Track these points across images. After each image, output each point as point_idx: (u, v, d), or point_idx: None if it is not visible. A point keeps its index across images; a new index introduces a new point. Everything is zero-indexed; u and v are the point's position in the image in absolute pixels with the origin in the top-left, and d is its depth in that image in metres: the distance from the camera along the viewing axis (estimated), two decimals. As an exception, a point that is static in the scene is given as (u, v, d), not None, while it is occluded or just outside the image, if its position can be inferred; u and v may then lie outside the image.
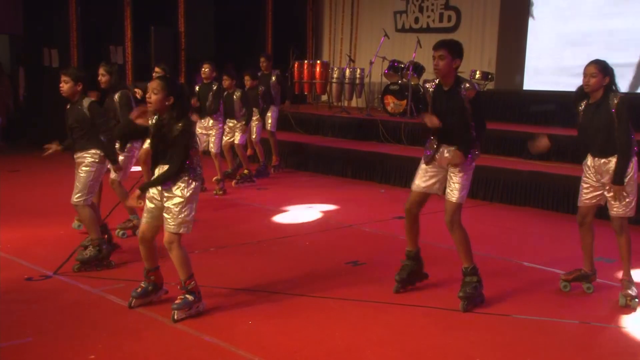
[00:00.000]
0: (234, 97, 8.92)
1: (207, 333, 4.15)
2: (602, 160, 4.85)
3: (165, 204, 4.39)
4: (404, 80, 11.41)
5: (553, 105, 10.05)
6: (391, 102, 11.54)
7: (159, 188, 4.40)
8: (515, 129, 9.73)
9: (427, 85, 4.92)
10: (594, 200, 4.98)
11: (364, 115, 11.57)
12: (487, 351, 4.05)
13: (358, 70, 12.28)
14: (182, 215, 4.37)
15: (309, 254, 6.09)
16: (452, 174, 4.77)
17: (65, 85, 5.44)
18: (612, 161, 4.79)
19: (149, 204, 4.46)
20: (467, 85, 4.69)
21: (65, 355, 3.85)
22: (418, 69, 11.49)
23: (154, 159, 4.53)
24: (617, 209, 4.84)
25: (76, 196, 5.45)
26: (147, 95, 4.41)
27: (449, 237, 4.89)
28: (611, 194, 4.81)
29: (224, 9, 13.51)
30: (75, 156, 5.58)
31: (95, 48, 12.20)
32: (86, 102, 5.45)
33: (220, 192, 8.58)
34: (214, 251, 6.06)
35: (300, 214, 7.71)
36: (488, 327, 4.43)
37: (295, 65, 12.76)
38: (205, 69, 8.68)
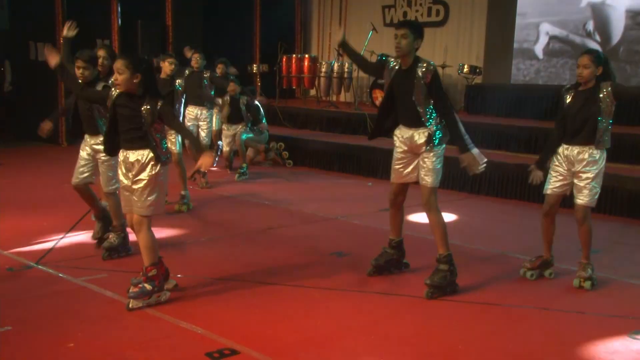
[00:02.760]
0: (241, 103, 9.23)
1: (188, 321, 4.12)
2: (577, 150, 4.87)
3: (133, 186, 4.37)
4: (392, 74, 11.39)
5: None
6: (379, 96, 11.52)
7: (129, 171, 4.39)
8: (503, 123, 9.74)
9: (392, 60, 4.80)
10: (562, 190, 5.01)
11: (352, 110, 11.56)
12: (470, 339, 4.04)
13: (346, 65, 12.27)
14: (150, 197, 4.35)
15: (293, 245, 6.07)
16: (424, 158, 4.75)
17: (85, 71, 5.25)
18: (587, 152, 4.84)
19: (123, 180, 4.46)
20: (424, 65, 4.64)
21: (45, 343, 3.82)
22: (406, 63, 11.46)
23: (111, 136, 4.47)
24: (582, 198, 4.87)
25: (111, 183, 5.39)
26: (114, 78, 4.34)
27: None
28: (580, 182, 4.86)
29: (213, 2, 13.46)
30: (86, 140, 5.49)
31: (81, 42, 12.06)
32: (100, 85, 5.22)
33: (207, 186, 8.54)
34: (198, 242, 6.03)
35: (286, 206, 7.69)
36: (471, 316, 4.43)
37: (284, 59, 12.73)
38: (197, 58, 8.58)
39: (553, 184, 5.03)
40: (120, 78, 4.27)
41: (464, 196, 8.39)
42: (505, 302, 4.67)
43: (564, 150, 4.94)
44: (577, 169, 4.89)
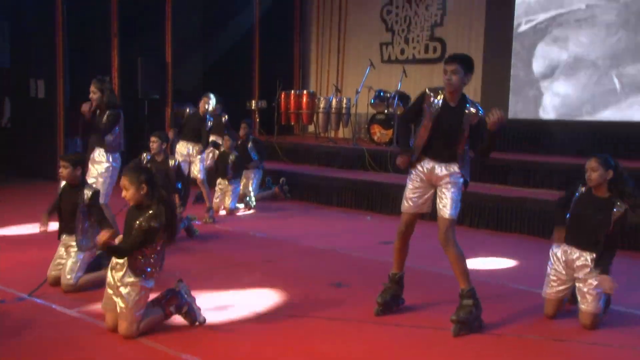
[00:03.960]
0: (229, 158, 9.07)
1: (186, 351, 4.04)
2: (577, 255, 4.68)
3: (119, 290, 4.34)
4: (390, 109, 11.45)
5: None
6: (377, 132, 11.55)
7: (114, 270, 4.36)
8: (501, 157, 9.74)
9: (432, 94, 4.69)
10: (561, 294, 4.80)
11: (351, 145, 11.57)
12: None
13: (344, 100, 12.32)
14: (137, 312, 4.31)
15: (293, 275, 6.00)
16: (443, 189, 4.66)
17: (64, 171, 5.33)
18: (588, 259, 4.64)
19: None
20: (472, 109, 4.58)
21: (36, 374, 3.73)
22: (404, 99, 11.52)
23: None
24: (587, 305, 4.64)
25: (67, 277, 5.26)
26: (123, 195, 4.41)
27: (436, 260, 4.79)
28: (585, 289, 4.64)
29: (212, 40, 13.57)
30: (62, 238, 5.45)
31: (81, 78, 12.16)
32: (87, 192, 5.29)
33: (210, 220, 8.46)
34: (197, 273, 5.95)
35: (286, 239, 7.63)
36: (476, 346, 4.34)
37: (282, 95, 12.79)
38: (205, 102, 8.59)
39: (551, 289, 4.81)
40: (128, 194, 4.35)
41: (464, 229, 8.33)
42: (511, 332, 4.58)
43: (562, 253, 4.73)
44: (581, 275, 4.68)
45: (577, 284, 4.71)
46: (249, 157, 9.79)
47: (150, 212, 4.29)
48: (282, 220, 8.94)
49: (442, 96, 4.65)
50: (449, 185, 4.64)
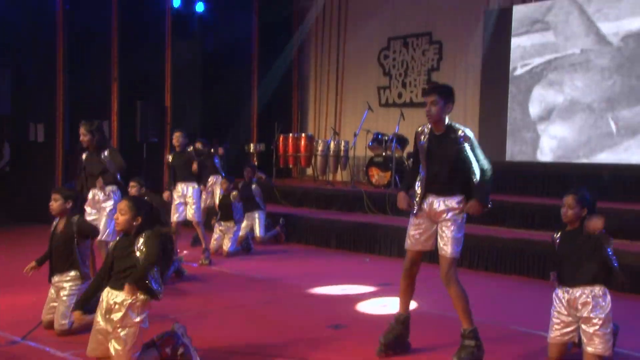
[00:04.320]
0: (231, 196, 9.06)
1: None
2: (579, 293, 4.54)
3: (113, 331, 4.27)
4: (388, 152, 11.50)
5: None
6: (375, 174, 11.58)
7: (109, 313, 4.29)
8: (499, 199, 9.74)
9: (419, 130, 4.81)
10: (567, 337, 4.64)
11: (349, 187, 11.57)
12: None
13: (342, 143, 12.38)
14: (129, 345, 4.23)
15: (291, 317, 5.95)
16: (443, 227, 4.64)
17: (55, 203, 5.36)
18: (590, 295, 4.53)
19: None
20: (460, 132, 4.61)
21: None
22: (402, 142, 11.59)
23: (98, 279, 4.46)
24: (594, 347, 4.48)
25: (61, 322, 5.21)
26: (115, 216, 4.40)
27: (441, 303, 4.71)
28: (590, 330, 4.47)
29: (211, 84, 13.71)
30: (52, 280, 5.40)
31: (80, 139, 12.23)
32: (75, 219, 5.32)
33: (206, 262, 8.41)
34: (193, 315, 5.89)
35: (284, 281, 7.58)
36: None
37: (280, 138, 12.86)
38: (178, 137, 8.64)
39: (555, 332, 4.64)
40: (121, 218, 4.31)
41: (462, 271, 8.25)
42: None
43: (562, 292, 4.63)
44: (582, 314, 4.56)
45: (581, 325, 4.61)
46: (253, 200, 9.80)
47: (147, 232, 4.27)
48: (280, 262, 8.88)
49: (429, 129, 4.74)
50: (449, 223, 4.62)
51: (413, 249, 4.80)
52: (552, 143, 10.97)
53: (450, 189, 4.64)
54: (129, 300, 4.23)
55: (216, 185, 9.87)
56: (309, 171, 13.63)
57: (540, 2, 11.13)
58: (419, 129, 4.87)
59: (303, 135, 12.95)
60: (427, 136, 4.74)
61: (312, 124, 14.90)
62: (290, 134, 13.07)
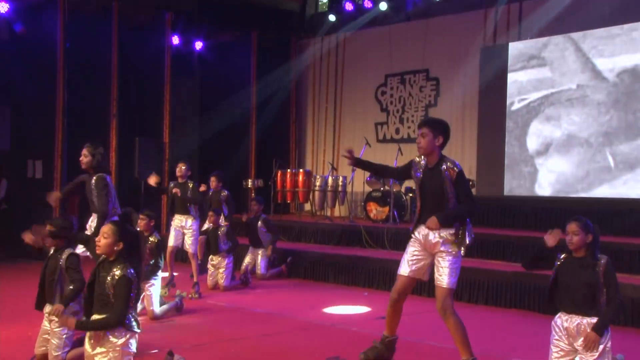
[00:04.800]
0: (219, 232, 8.97)
1: None
2: (577, 321, 4.49)
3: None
4: (386, 187, 11.50)
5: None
6: (374, 209, 11.56)
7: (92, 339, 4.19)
8: (498, 233, 9.75)
9: (416, 159, 4.91)
10: None
11: (347, 222, 11.54)
12: None
13: (340, 178, 12.39)
14: None
15: (289, 350, 5.87)
16: (439, 258, 4.65)
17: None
18: (588, 326, 4.46)
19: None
20: (449, 164, 4.69)
21: None
22: (400, 176, 11.58)
23: (87, 305, 4.38)
24: None
25: (55, 354, 5.11)
26: (97, 239, 4.31)
27: (434, 334, 4.70)
28: (588, 359, 4.42)
29: (209, 120, 13.80)
30: (45, 310, 5.28)
31: (79, 158, 12.26)
32: (66, 253, 5.21)
33: (196, 296, 8.34)
34: (191, 348, 5.81)
35: (281, 314, 7.51)
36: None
37: (278, 174, 12.88)
38: (182, 167, 8.80)
39: None
40: (103, 242, 4.23)
41: (461, 304, 8.20)
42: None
43: (562, 321, 4.58)
44: (580, 343, 4.48)
45: (579, 355, 4.55)
46: (257, 236, 9.79)
47: (120, 265, 4.19)
48: (278, 296, 8.81)
49: (425, 162, 4.84)
50: (444, 254, 4.66)
51: (404, 274, 4.83)
52: (550, 177, 10.98)
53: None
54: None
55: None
56: (307, 207, 13.62)
57: (536, 39, 11.25)
58: (417, 159, 4.97)
59: (301, 170, 12.97)
60: (422, 169, 4.84)
61: (310, 159, 14.95)
62: (288, 170, 13.08)
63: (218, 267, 8.99)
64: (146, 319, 6.81)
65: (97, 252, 4.31)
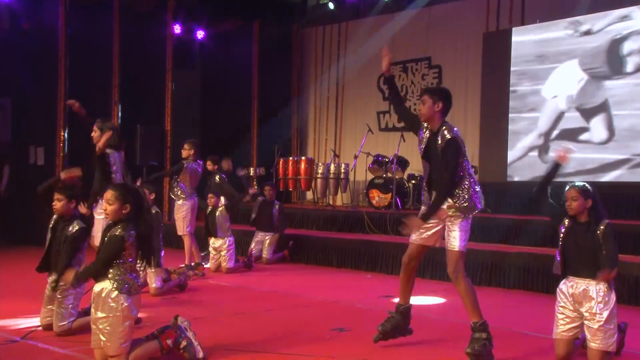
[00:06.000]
0: (216, 213, 8.98)
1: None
2: (583, 287, 4.48)
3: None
4: (389, 174, 11.48)
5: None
6: (376, 196, 11.53)
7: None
8: (501, 217, 9.74)
9: (424, 125, 4.86)
10: (572, 333, 4.55)
11: (350, 209, 11.52)
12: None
13: (342, 166, 12.37)
14: (119, 339, 4.14)
15: (293, 322, 5.87)
16: (449, 224, 4.67)
17: (58, 204, 5.24)
18: (594, 290, 4.46)
19: None
20: (446, 130, 4.69)
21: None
22: (402, 163, 11.58)
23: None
24: (598, 342, 4.40)
25: (60, 324, 5.11)
26: (103, 207, 4.33)
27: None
28: (595, 326, 4.42)
29: (211, 109, 13.76)
30: (50, 278, 5.28)
31: (81, 145, 12.25)
32: (76, 226, 5.19)
33: (200, 274, 8.34)
34: (196, 321, 5.77)
35: (286, 293, 7.50)
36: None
37: (280, 162, 12.85)
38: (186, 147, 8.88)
39: (561, 327, 4.55)
40: (109, 209, 4.23)
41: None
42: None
43: (567, 287, 4.57)
44: (585, 309, 4.48)
45: (585, 321, 4.52)
46: (271, 220, 9.89)
47: (123, 225, 4.19)
48: (282, 277, 8.77)
49: (428, 129, 4.84)
50: (454, 219, 4.64)
51: (416, 242, 4.83)
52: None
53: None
54: (108, 289, 4.13)
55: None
56: (309, 195, 13.58)
57: (539, 23, 11.22)
58: (425, 124, 4.90)
59: (303, 158, 12.93)
60: (426, 130, 4.84)
61: (311, 148, 14.91)
62: (290, 158, 13.05)
63: (219, 250, 8.97)
64: (147, 295, 6.79)
65: (107, 219, 4.30)
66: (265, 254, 9.80)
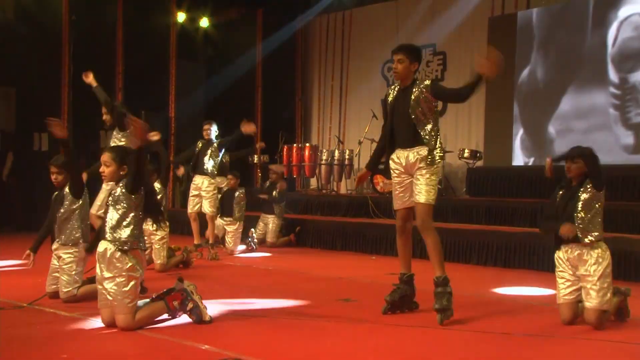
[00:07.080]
0: (235, 194, 9.03)
1: (191, 340, 3.87)
2: (578, 252, 4.57)
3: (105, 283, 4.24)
4: (393, 159, 11.44)
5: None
6: (380, 182, 11.50)
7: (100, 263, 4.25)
8: (506, 200, 9.73)
9: (388, 91, 4.96)
10: (574, 296, 4.60)
11: (354, 194, 11.50)
12: None
13: (347, 151, 12.35)
14: (127, 299, 4.16)
15: (303, 294, 5.87)
16: (417, 176, 4.68)
17: (59, 177, 5.25)
18: (588, 252, 4.55)
19: None
20: (422, 85, 4.72)
21: (37, 357, 3.55)
22: (407, 148, 11.53)
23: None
24: (591, 301, 4.48)
25: (66, 290, 5.13)
26: (101, 169, 4.33)
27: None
28: (588, 285, 4.50)
29: (215, 96, 13.76)
30: (53, 247, 5.32)
31: (86, 132, 12.26)
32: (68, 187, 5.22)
33: (216, 258, 8.27)
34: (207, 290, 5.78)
35: (293, 271, 7.50)
36: (488, 345, 4.18)
37: (285, 149, 12.83)
38: (207, 129, 8.99)
39: (563, 291, 4.64)
40: (107, 170, 4.27)
41: (470, 266, 8.19)
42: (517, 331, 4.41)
43: (564, 253, 4.65)
44: (582, 271, 4.57)
45: (581, 283, 4.60)
46: (271, 203, 9.89)
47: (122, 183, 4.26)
48: (288, 258, 8.78)
49: (396, 87, 4.89)
50: (423, 171, 4.67)
51: (401, 208, 4.86)
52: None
53: (420, 139, 4.70)
54: (112, 250, 4.15)
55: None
56: (313, 182, 13.56)
57: (545, 7, 11.19)
58: (389, 90, 5.01)
59: (307, 145, 12.91)
60: (394, 92, 4.88)
61: (315, 136, 14.89)
62: (294, 144, 13.03)
63: (227, 229, 8.97)
64: (153, 272, 6.80)
65: (105, 181, 4.31)
66: (269, 238, 9.78)
